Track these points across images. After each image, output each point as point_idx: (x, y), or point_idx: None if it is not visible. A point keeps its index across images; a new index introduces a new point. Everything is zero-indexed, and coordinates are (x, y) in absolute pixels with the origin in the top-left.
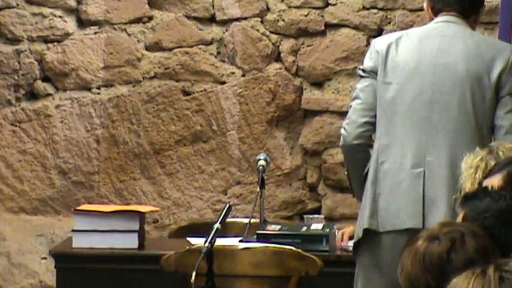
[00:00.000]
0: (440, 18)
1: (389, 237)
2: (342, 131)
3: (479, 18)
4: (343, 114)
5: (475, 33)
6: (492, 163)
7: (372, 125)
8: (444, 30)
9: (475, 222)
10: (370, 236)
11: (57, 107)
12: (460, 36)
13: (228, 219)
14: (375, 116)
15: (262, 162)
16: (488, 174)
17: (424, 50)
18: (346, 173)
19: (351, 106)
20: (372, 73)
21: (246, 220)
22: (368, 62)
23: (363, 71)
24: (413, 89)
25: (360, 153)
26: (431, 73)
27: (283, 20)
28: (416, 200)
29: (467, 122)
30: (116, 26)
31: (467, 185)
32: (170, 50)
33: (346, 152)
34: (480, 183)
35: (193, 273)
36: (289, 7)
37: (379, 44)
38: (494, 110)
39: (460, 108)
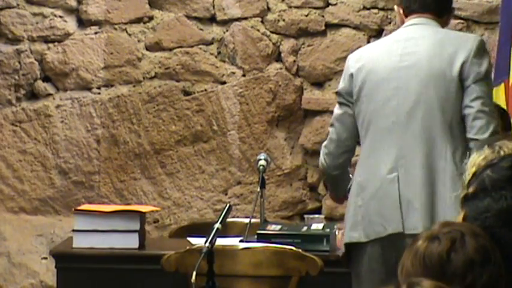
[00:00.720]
0: (410, 21)
1: (375, 245)
2: (322, 160)
3: (451, 18)
4: None
5: (441, 30)
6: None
7: (350, 151)
8: (409, 33)
9: (475, 222)
10: (355, 248)
11: (57, 107)
12: (424, 36)
13: (229, 219)
14: (353, 140)
15: (262, 162)
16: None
17: (389, 57)
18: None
19: (328, 133)
20: (347, 95)
21: (247, 220)
22: (341, 84)
23: (339, 94)
24: (380, 97)
25: (339, 176)
26: (396, 78)
27: (283, 20)
28: (393, 205)
29: (436, 120)
30: (116, 26)
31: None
32: (170, 50)
33: (325, 177)
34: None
35: (194, 273)
36: (290, 7)
37: (351, 62)
38: (461, 102)
39: (426, 107)
